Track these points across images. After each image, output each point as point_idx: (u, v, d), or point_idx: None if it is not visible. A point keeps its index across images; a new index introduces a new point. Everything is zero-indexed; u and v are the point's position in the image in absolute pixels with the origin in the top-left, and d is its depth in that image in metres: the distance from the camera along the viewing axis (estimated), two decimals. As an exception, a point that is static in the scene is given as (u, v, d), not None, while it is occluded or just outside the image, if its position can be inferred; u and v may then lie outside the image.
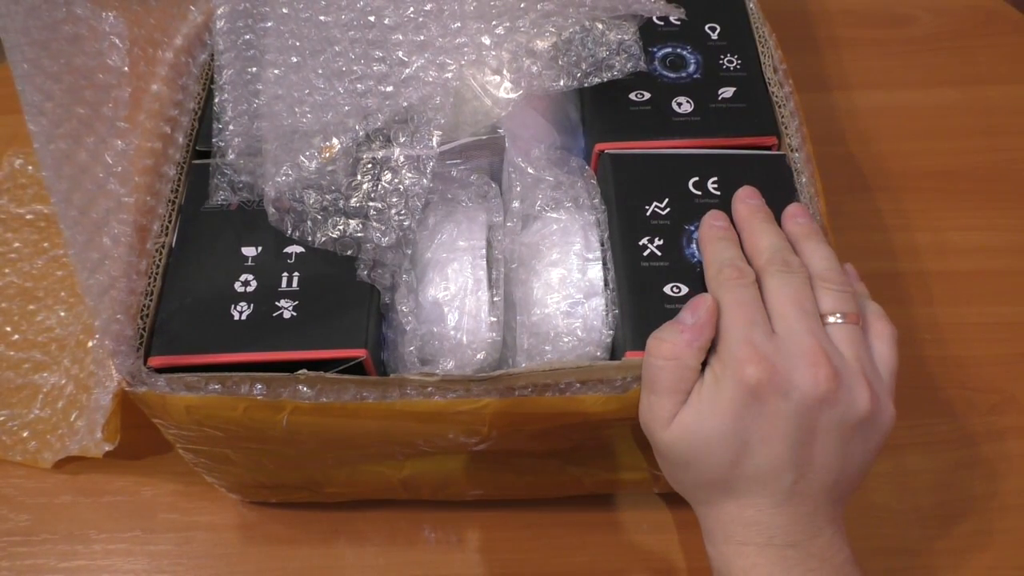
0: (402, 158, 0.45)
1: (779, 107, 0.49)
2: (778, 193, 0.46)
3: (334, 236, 0.44)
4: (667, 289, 0.43)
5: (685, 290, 0.43)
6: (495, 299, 0.45)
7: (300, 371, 0.40)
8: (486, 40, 0.45)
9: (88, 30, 0.41)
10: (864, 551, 0.52)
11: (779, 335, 0.38)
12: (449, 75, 0.45)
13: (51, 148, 0.38)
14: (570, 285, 0.45)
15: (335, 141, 0.45)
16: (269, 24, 0.50)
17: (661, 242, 0.44)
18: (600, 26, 0.48)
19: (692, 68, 0.51)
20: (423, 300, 0.45)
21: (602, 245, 0.46)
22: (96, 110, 0.41)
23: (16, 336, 0.60)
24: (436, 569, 0.53)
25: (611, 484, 0.52)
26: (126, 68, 0.42)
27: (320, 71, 0.47)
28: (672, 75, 0.51)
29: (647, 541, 0.53)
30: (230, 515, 0.55)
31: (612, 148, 0.48)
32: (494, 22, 0.46)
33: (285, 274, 0.44)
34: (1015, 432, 0.57)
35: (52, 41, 0.39)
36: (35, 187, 0.67)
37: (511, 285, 0.46)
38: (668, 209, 0.45)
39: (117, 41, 0.41)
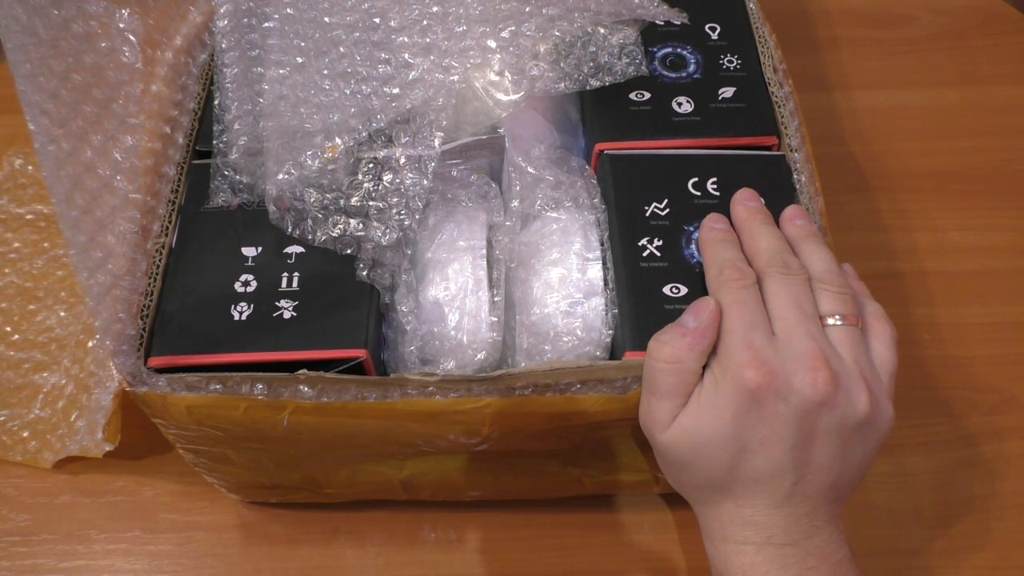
0: (403, 158, 0.45)
1: (779, 107, 0.49)
2: (778, 193, 0.46)
3: (334, 235, 0.44)
4: (666, 290, 0.43)
5: (684, 291, 0.43)
6: (495, 299, 0.45)
7: (300, 371, 0.40)
8: (491, 43, 0.46)
9: (100, 27, 0.41)
10: (864, 551, 0.52)
11: (778, 338, 0.38)
12: (455, 78, 0.45)
13: (51, 148, 0.38)
14: (570, 285, 0.45)
15: (338, 141, 0.45)
16: (273, 24, 0.50)
17: (660, 242, 0.44)
18: (602, 30, 0.48)
19: (692, 68, 0.51)
20: (423, 300, 0.45)
21: (602, 245, 0.46)
22: (105, 107, 0.41)
23: (16, 336, 0.60)
24: (436, 569, 0.53)
25: (611, 485, 0.52)
26: (139, 64, 0.42)
27: (325, 72, 0.47)
28: (672, 75, 0.51)
29: (647, 541, 0.53)
30: (230, 515, 0.55)
31: (612, 148, 0.48)
32: (499, 25, 0.46)
33: (285, 274, 0.44)
34: (1015, 432, 0.57)
35: (61, 40, 0.39)
36: (35, 187, 0.67)
37: (510, 284, 0.46)
38: (667, 210, 0.45)
39: (132, 37, 0.42)
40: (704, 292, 0.41)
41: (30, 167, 0.68)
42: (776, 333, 0.38)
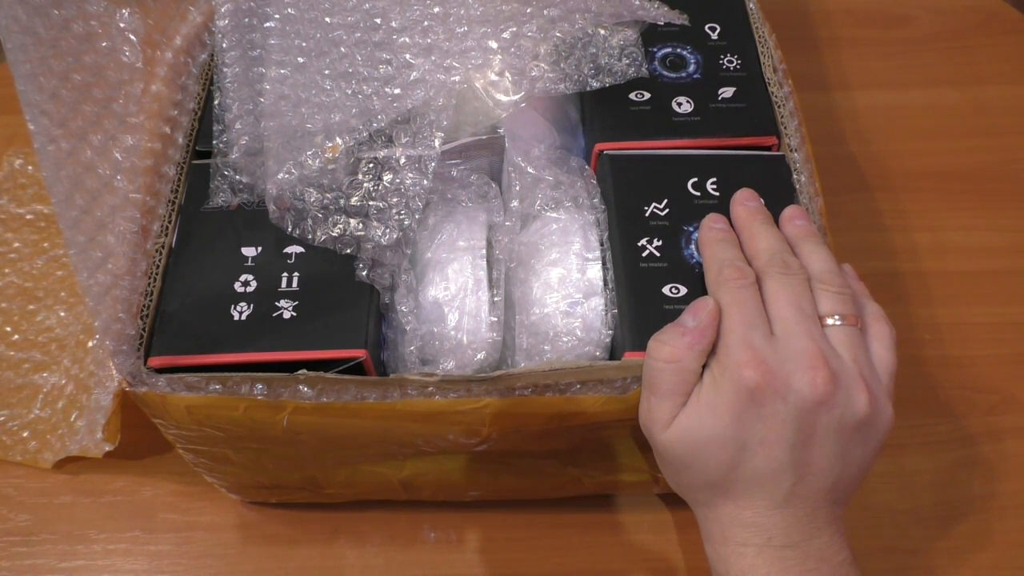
0: (403, 158, 0.45)
1: (779, 107, 0.49)
2: (777, 193, 0.46)
3: (334, 235, 0.44)
4: (666, 290, 0.43)
5: (684, 291, 0.43)
6: (495, 299, 0.45)
7: (300, 371, 0.40)
8: (492, 44, 0.46)
9: (100, 27, 0.41)
10: (864, 551, 0.52)
11: (778, 337, 0.38)
12: (456, 78, 0.45)
13: (51, 148, 0.38)
14: (569, 285, 0.45)
15: (338, 141, 0.45)
16: (273, 24, 0.50)
17: (660, 243, 0.44)
18: (603, 31, 0.49)
19: (692, 68, 0.51)
20: (423, 300, 0.45)
21: (601, 245, 0.46)
22: (106, 107, 0.41)
23: (16, 336, 0.60)
24: (436, 569, 0.53)
25: (611, 485, 0.52)
26: (139, 64, 0.42)
27: (326, 72, 0.47)
28: (672, 75, 0.51)
29: (647, 541, 0.53)
30: (230, 515, 0.55)
31: (612, 148, 0.48)
32: (501, 27, 0.46)
33: (285, 274, 0.44)
34: (1015, 432, 0.57)
35: (61, 39, 0.39)
36: (35, 187, 0.67)
37: (510, 284, 0.46)
38: (667, 210, 0.45)
39: (132, 37, 0.42)
40: (704, 292, 0.41)
41: (30, 167, 0.68)
42: (775, 333, 0.38)
